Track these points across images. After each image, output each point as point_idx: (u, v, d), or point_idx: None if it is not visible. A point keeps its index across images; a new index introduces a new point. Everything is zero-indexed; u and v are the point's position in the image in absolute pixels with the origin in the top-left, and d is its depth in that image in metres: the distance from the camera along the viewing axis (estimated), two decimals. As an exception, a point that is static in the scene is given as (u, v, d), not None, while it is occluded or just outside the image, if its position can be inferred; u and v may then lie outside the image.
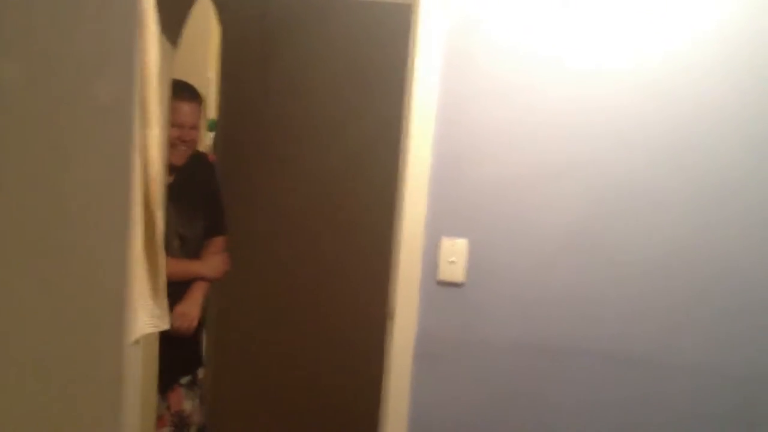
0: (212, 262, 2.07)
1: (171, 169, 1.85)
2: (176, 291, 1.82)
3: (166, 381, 1.90)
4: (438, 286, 1.61)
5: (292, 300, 2.58)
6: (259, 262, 2.57)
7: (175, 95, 1.79)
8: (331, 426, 2.50)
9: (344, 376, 2.52)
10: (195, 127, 1.98)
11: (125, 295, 0.71)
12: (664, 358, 1.57)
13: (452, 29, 1.53)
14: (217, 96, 2.78)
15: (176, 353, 1.88)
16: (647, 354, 1.57)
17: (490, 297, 1.59)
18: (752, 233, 1.52)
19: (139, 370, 1.40)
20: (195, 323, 1.99)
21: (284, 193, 2.55)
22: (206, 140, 3.02)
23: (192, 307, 1.97)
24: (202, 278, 2.03)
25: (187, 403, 2.03)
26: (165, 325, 1.50)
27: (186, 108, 1.92)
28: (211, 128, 3.05)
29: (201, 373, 2.15)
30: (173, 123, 1.83)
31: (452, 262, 1.59)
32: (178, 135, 1.89)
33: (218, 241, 2.14)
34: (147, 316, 1.40)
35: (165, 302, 1.49)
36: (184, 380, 2.04)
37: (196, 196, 2.07)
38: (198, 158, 2.10)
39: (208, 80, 3.08)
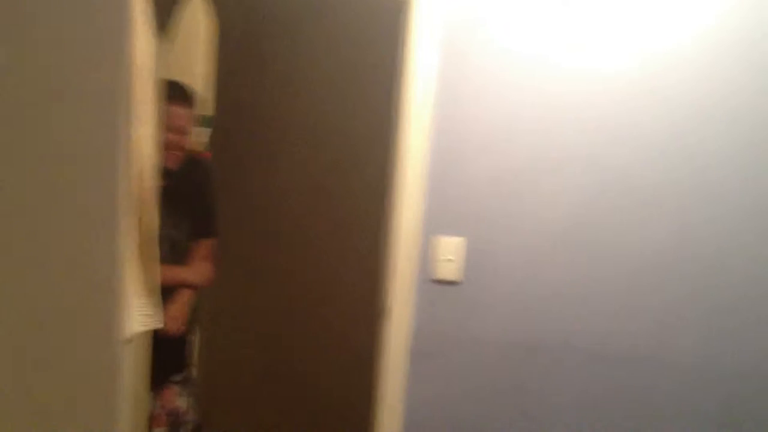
0: (199, 269, 2.05)
1: (165, 173, 1.82)
2: (162, 294, 1.81)
3: (158, 380, 1.89)
4: (433, 285, 1.60)
5: (285, 297, 2.57)
6: (252, 259, 2.56)
7: (169, 98, 1.76)
8: (324, 423, 2.50)
9: (338, 373, 2.51)
10: (189, 132, 1.95)
11: (118, 291, 0.71)
12: (654, 355, 1.58)
13: (449, 26, 1.52)
14: (212, 92, 2.77)
15: (166, 353, 1.87)
16: (638, 352, 1.58)
17: (486, 295, 1.59)
18: (744, 231, 1.53)
19: (131, 367, 1.39)
20: (183, 326, 1.98)
21: (279, 190, 2.54)
22: (201, 137, 3.01)
23: (180, 310, 1.96)
24: (188, 285, 2.01)
25: (180, 400, 2.02)
26: (158, 324, 1.50)
27: (180, 112, 1.89)
28: (205, 125, 3.03)
29: (194, 371, 2.15)
30: (167, 127, 1.80)
31: (448, 260, 1.59)
32: (172, 139, 1.87)
33: (207, 244, 2.12)
34: (140, 315, 1.39)
35: (158, 301, 1.48)
36: (177, 378, 2.03)
37: (190, 199, 2.05)
38: (193, 161, 2.07)
39: (202, 76, 3.07)
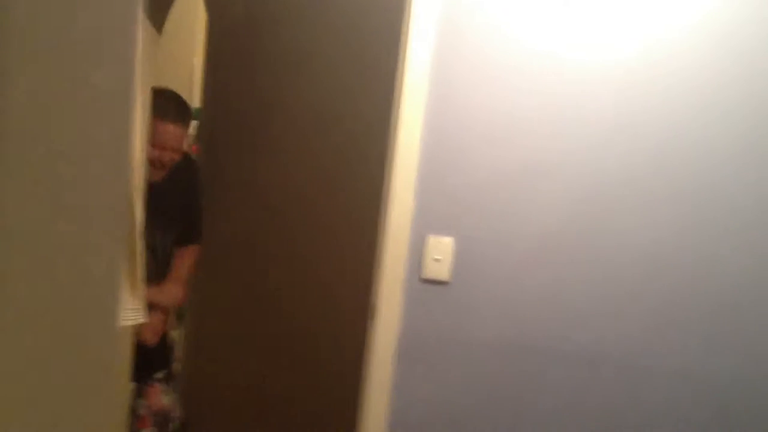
0: (170, 290, 1.96)
1: (149, 185, 1.72)
2: None
3: (139, 376, 1.86)
4: (422, 284, 1.60)
5: (272, 294, 2.55)
6: (240, 255, 2.54)
7: (161, 114, 1.66)
8: (310, 422, 2.48)
9: (323, 371, 2.50)
10: (178, 150, 1.84)
11: (116, 284, 0.70)
12: (644, 360, 1.58)
13: (443, 23, 1.51)
14: (201, 84, 2.73)
15: (146, 350, 1.84)
16: (628, 356, 1.58)
17: (475, 296, 1.59)
18: (736, 235, 1.53)
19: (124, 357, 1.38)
20: (158, 336, 1.92)
21: (268, 184, 2.52)
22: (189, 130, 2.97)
23: (156, 317, 1.89)
24: (158, 306, 1.90)
25: (165, 398, 1.99)
26: (143, 319, 1.49)
27: (171, 129, 1.77)
28: (193, 117, 2.99)
29: (179, 366, 2.12)
30: (155, 144, 1.70)
31: (437, 260, 1.58)
32: (159, 156, 1.76)
33: (191, 251, 2.06)
34: (125, 309, 1.38)
35: (143, 295, 1.47)
36: (160, 375, 2.00)
37: (175, 207, 1.98)
38: (180, 165, 1.93)
39: (192, 67, 3.03)
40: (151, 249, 1.85)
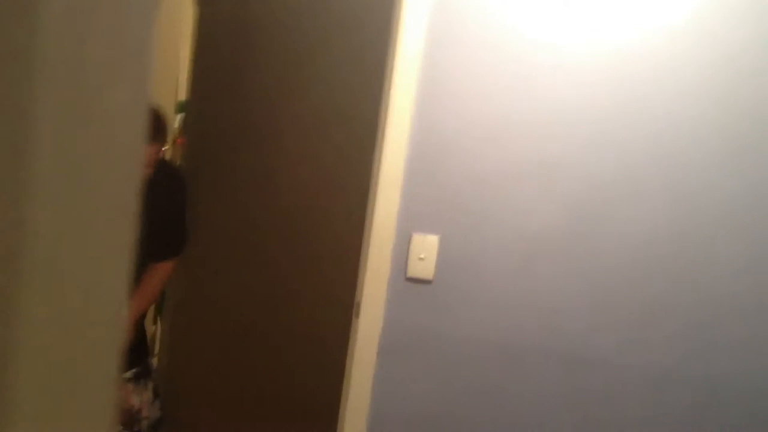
0: (131, 304, 1.91)
1: None
2: None
3: None
4: (406, 282, 1.60)
5: (255, 290, 2.54)
6: (225, 250, 2.52)
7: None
8: (291, 418, 2.48)
9: (305, 367, 2.49)
10: (150, 165, 1.76)
11: (124, 291, 0.71)
12: (624, 360, 1.60)
13: (431, 24, 1.52)
14: (188, 77, 2.71)
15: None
16: (609, 356, 1.60)
17: (458, 295, 1.60)
18: (722, 241, 1.55)
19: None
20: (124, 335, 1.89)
21: (253, 180, 2.51)
22: (174, 123, 2.95)
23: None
24: (136, 311, 1.87)
25: (135, 398, 1.96)
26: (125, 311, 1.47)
27: (149, 150, 1.71)
28: (179, 110, 2.97)
29: (155, 361, 2.07)
30: None
31: (422, 258, 1.59)
32: None
33: (163, 268, 1.96)
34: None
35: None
36: (129, 374, 1.96)
37: (144, 221, 1.89)
38: (155, 179, 1.77)
39: (179, 60, 3.01)
40: None
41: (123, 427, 1.91)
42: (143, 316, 2.01)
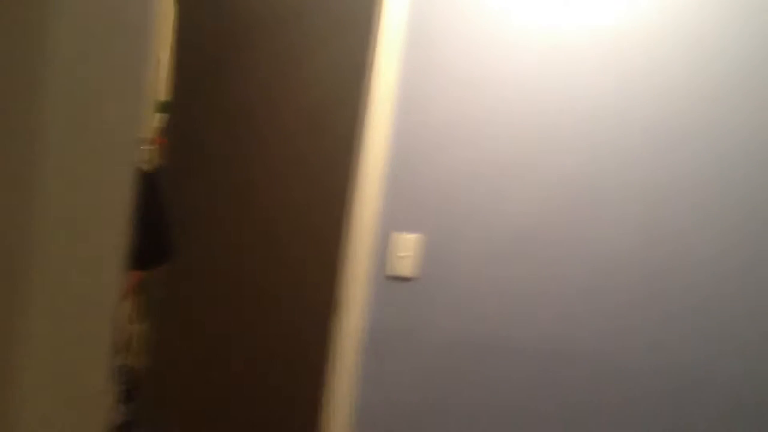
0: None
1: None
2: None
3: None
4: (388, 281, 1.63)
5: (238, 290, 2.54)
6: (207, 245, 2.52)
7: None
8: (275, 417, 2.49)
9: (290, 367, 2.51)
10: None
11: (117, 290, 0.74)
12: (607, 358, 1.64)
13: (411, 26, 1.54)
14: (168, 77, 2.70)
15: None
16: (592, 354, 1.64)
17: (440, 292, 1.63)
18: (694, 237, 1.59)
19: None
20: None
21: (236, 178, 2.51)
22: (156, 123, 2.93)
23: None
24: None
25: None
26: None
27: None
28: (160, 110, 2.96)
29: (130, 359, 2.01)
30: None
31: (402, 256, 1.61)
32: None
33: (129, 276, 1.80)
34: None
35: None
36: None
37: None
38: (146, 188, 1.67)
39: (159, 61, 2.99)
40: None
41: None
42: None
